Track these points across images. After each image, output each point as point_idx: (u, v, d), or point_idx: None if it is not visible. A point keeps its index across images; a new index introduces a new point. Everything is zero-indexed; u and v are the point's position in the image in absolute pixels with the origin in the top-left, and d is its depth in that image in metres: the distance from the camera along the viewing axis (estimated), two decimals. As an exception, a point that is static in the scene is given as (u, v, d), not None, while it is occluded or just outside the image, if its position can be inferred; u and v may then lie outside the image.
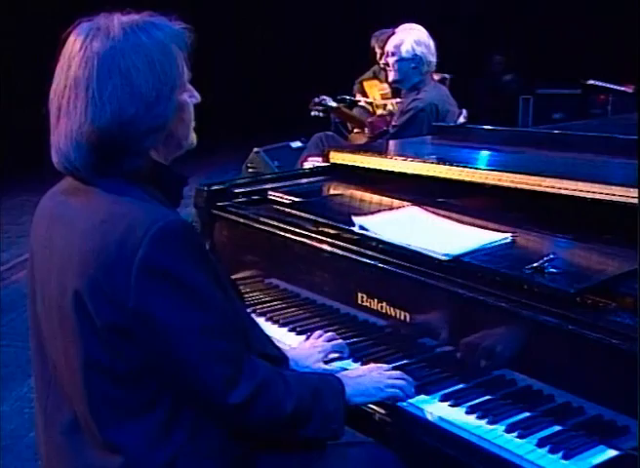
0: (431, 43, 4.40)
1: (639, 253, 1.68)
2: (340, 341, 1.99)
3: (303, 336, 2.10)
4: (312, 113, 5.19)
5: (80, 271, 1.47)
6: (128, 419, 1.50)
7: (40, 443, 1.67)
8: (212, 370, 1.49)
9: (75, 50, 1.51)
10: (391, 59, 4.42)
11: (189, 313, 1.47)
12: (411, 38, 4.38)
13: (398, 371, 1.81)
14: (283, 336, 2.13)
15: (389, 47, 4.45)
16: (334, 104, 5.21)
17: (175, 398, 1.50)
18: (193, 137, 1.65)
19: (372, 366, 1.84)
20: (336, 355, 1.96)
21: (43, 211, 1.66)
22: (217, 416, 1.54)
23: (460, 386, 1.81)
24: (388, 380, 1.75)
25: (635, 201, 1.92)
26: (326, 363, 1.92)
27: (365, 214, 2.21)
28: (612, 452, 1.55)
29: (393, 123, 4.46)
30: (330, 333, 2.02)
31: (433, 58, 4.40)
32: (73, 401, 1.54)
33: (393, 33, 4.62)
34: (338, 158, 2.86)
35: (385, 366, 1.84)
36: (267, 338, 1.76)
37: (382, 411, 1.75)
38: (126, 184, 1.53)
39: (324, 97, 5.18)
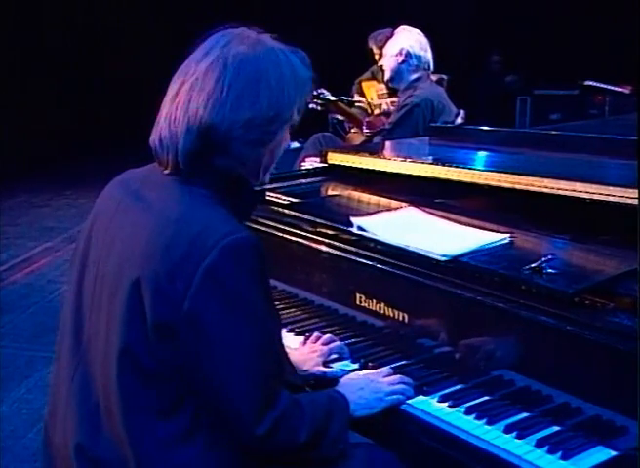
0: (424, 41, 4.42)
1: (639, 253, 1.68)
2: (338, 343, 1.99)
3: (302, 337, 2.10)
4: (310, 106, 5.18)
5: (143, 262, 1.48)
6: (148, 418, 1.49)
7: (52, 408, 1.66)
8: (246, 398, 1.47)
9: (219, 44, 1.57)
10: (383, 59, 4.47)
11: (240, 329, 1.47)
12: (409, 41, 4.40)
13: (397, 376, 1.80)
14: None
15: (388, 48, 4.48)
16: (332, 98, 5.20)
17: (196, 407, 1.50)
18: (268, 177, 1.71)
19: (370, 373, 1.84)
20: (336, 356, 1.95)
21: (111, 195, 1.68)
22: (235, 438, 1.52)
23: (459, 387, 1.81)
24: (387, 388, 1.75)
25: (632, 201, 1.93)
26: (325, 365, 1.92)
27: (363, 214, 2.21)
28: (610, 453, 1.55)
29: (389, 120, 4.47)
30: (328, 335, 2.02)
31: (426, 55, 4.41)
32: (100, 385, 1.54)
33: (392, 34, 4.64)
34: (335, 159, 2.86)
35: (384, 370, 1.84)
36: (288, 360, 1.76)
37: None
38: (209, 182, 1.56)
39: (322, 89, 5.18)
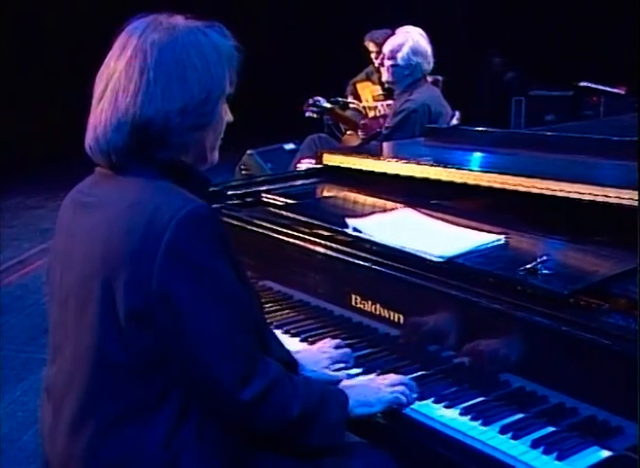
0: (429, 49, 4.41)
1: (639, 254, 1.68)
2: (346, 350, 1.97)
3: (297, 338, 2.10)
4: (306, 114, 5.19)
5: (105, 256, 1.47)
6: (134, 416, 1.49)
7: (44, 429, 1.65)
8: (226, 364, 1.47)
9: (133, 38, 1.55)
10: (387, 62, 4.44)
11: (211, 301, 1.47)
12: (408, 45, 4.37)
13: (399, 378, 1.80)
14: (277, 339, 2.13)
15: (387, 48, 4.45)
16: (328, 105, 5.21)
17: (183, 397, 1.49)
18: (216, 155, 1.68)
19: (373, 377, 1.84)
20: (341, 365, 1.93)
21: (68, 203, 1.69)
22: (224, 414, 1.52)
23: (454, 388, 1.81)
24: (389, 389, 1.75)
25: (628, 202, 1.93)
26: (329, 369, 1.91)
27: (358, 215, 2.21)
28: (605, 453, 1.55)
29: (386, 124, 4.47)
30: (337, 340, 2.01)
31: (426, 58, 4.41)
32: (78, 391, 1.53)
33: (392, 33, 4.62)
34: (331, 160, 2.87)
35: (389, 376, 1.82)
36: (278, 340, 1.76)
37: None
38: (155, 174, 1.55)
39: (318, 97, 5.18)
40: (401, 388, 1.75)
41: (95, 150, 1.57)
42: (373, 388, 1.75)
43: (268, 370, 1.52)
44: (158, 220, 1.45)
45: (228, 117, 1.67)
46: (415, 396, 1.76)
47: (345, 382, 1.83)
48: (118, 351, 1.47)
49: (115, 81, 1.54)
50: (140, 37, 1.55)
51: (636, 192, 1.91)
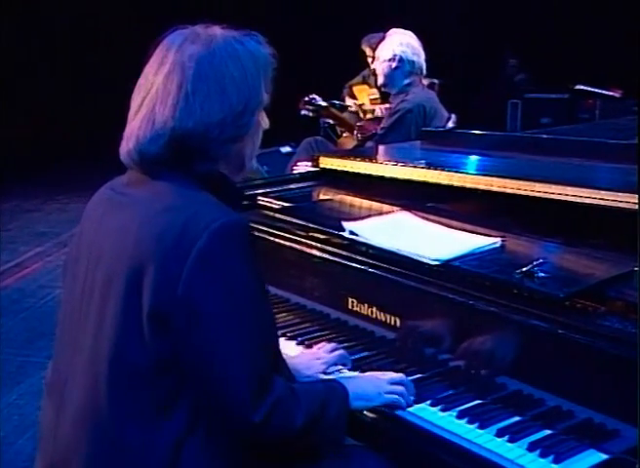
0: (417, 44, 4.43)
1: (639, 257, 1.68)
2: (342, 352, 1.96)
3: (294, 342, 2.10)
4: (302, 112, 5.19)
5: (135, 256, 1.47)
6: (143, 419, 1.48)
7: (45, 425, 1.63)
8: (242, 384, 1.45)
9: (171, 51, 1.56)
10: (380, 66, 4.46)
11: (236, 310, 1.46)
12: (392, 40, 4.41)
13: (399, 376, 1.79)
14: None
15: (379, 52, 4.49)
16: (324, 104, 5.21)
17: (193, 404, 1.48)
18: (254, 163, 1.68)
19: (374, 373, 1.84)
20: (338, 367, 1.93)
21: (98, 199, 1.68)
22: (231, 429, 1.50)
23: (451, 391, 1.81)
24: (388, 386, 1.75)
25: (624, 205, 1.93)
26: (326, 374, 1.90)
27: (355, 219, 2.21)
28: (602, 456, 1.55)
29: (381, 125, 4.48)
30: (332, 344, 2.00)
31: (419, 59, 4.41)
32: (87, 387, 1.52)
33: (384, 37, 4.64)
34: (327, 163, 2.87)
35: (389, 373, 1.82)
36: (283, 359, 1.74)
37: (372, 415, 1.75)
38: (191, 184, 1.55)
39: (314, 96, 5.18)
40: (400, 388, 1.75)
41: (130, 161, 1.57)
42: (372, 382, 1.75)
43: (276, 389, 1.51)
44: (193, 227, 1.45)
45: (265, 124, 1.68)
46: (412, 398, 1.76)
47: (347, 374, 1.83)
48: (136, 350, 1.46)
49: (153, 94, 1.54)
50: (177, 50, 1.55)
51: (632, 195, 1.91)
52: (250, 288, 1.49)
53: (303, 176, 2.97)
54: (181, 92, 1.52)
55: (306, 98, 5.18)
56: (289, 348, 2.05)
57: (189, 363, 1.47)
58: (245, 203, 2.61)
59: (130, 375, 1.48)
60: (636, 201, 1.89)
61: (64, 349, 1.63)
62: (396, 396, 1.74)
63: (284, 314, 2.26)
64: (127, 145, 1.57)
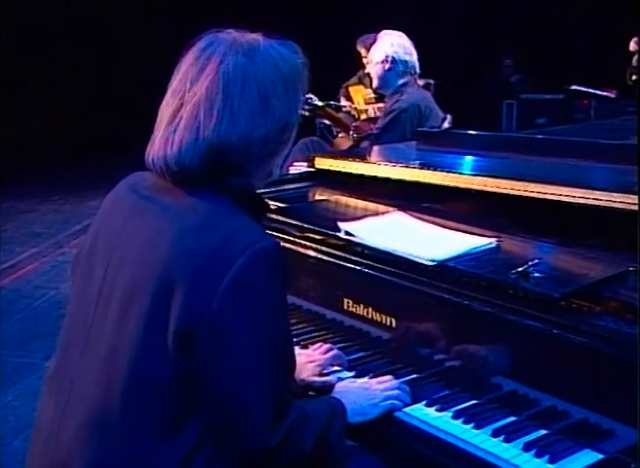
0: (408, 44, 4.43)
1: (639, 256, 1.68)
2: (337, 352, 1.96)
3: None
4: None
5: (166, 271, 1.43)
6: (155, 432, 1.45)
7: (41, 431, 1.59)
8: (262, 403, 1.44)
9: (213, 59, 1.51)
10: (369, 67, 4.48)
11: (264, 337, 1.44)
12: (383, 42, 4.42)
13: (394, 382, 1.79)
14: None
15: (372, 54, 4.51)
16: (320, 103, 5.21)
17: (203, 424, 1.46)
18: (278, 171, 1.65)
19: (367, 381, 1.84)
20: (334, 368, 1.93)
21: (120, 199, 1.62)
22: (245, 453, 1.48)
23: (447, 391, 1.81)
24: (382, 394, 1.75)
25: (619, 205, 1.93)
26: (321, 375, 1.90)
27: (350, 219, 2.21)
28: (597, 456, 1.55)
29: (377, 125, 4.48)
30: (328, 345, 2.00)
31: (412, 59, 4.42)
32: (99, 395, 1.48)
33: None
34: (323, 164, 2.87)
35: (383, 379, 1.82)
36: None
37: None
38: (222, 195, 1.51)
39: (310, 95, 5.18)
40: (396, 392, 1.75)
41: (164, 167, 1.51)
42: (367, 395, 1.74)
43: (292, 412, 1.50)
44: (232, 246, 1.42)
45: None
46: (409, 401, 1.76)
47: (340, 385, 1.82)
48: (157, 365, 1.43)
49: (195, 102, 1.49)
50: (221, 59, 1.50)
51: (627, 195, 1.92)
52: (280, 313, 1.49)
53: (299, 177, 2.97)
54: (227, 105, 1.48)
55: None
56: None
57: (210, 381, 1.44)
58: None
59: (147, 389, 1.45)
60: (631, 201, 1.89)
61: (71, 347, 1.58)
62: (392, 401, 1.74)
63: (280, 314, 2.26)
64: (161, 151, 1.51)
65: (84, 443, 1.49)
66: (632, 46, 5.81)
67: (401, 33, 4.50)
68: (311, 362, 1.92)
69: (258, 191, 1.62)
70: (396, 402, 1.75)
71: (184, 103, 1.51)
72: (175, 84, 1.55)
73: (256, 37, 1.58)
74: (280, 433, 1.46)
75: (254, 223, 1.51)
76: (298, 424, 1.51)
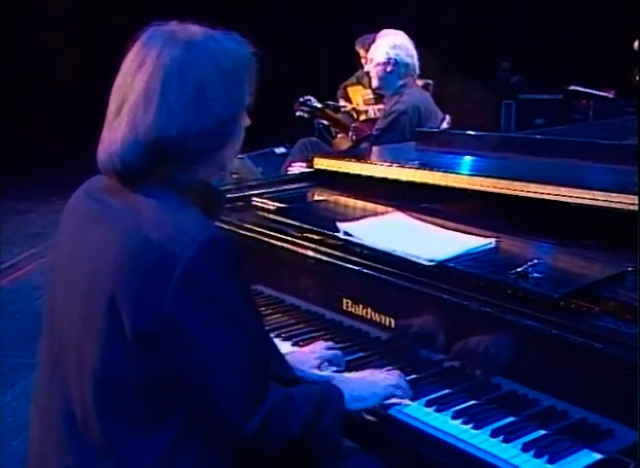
0: (408, 45, 4.43)
1: (639, 257, 1.69)
2: (336, 351, 1.96)
3: (289, 342, 2.10)
4: (297, 113, 5.18)
5: (116, 273, 1.43)
6: (135, 430, 1.46)
7: (34, 439, 1.62)
8: (235, 398, 1.44)
9: (151, 53, 1.50)
10: (369, 67, 4.47)
11: (224, 332, 1.44)
12: (385, 42, 4.41)
13: (395, 376, 1.79)
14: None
15: (371, 54, 4.49)
16: (318, 105, 5.21)
17: (185, 416, 1.46)
18: (233, 163, 1.64)
19: (369, 370, 1.84)
20: (331, 367, 1.93)
21: (75, 205, 1.63)
22: (226, 442, 1.49)
23: (446, 391, 1.81)
24: (383, 383, 1.74)
25: (617, 206, 1.94)
26: (320, 369, 1.90)
27: (349, 219, 2.22)
28: (596, 456, 1.55)
29: (376, 126, 4.48)
30: (329, 343, 2.00)
31: (413, 60, 4.42)
32: (75, 401, 1.50)
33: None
34: (322, 164, 2.87)
35: (385, 371, 1.83)
36: (283, 359, 1.74)
37: (367, 417, 1.75)
38: (167, 192, 1.50)
39: (309, 97, 5.18)
40: (395, 381, 1.75)
41: (107, 166, 1.51)
42: (367, 382, 1.74)
43: (270, 398, 1.49)
44: (175, 245, 1.41)
45: (246, 122, 1.63)
46: (410, 392, 1.76)
47: (341, 375, 1.82)
48: (125, 367, 1.44)
49: (134, 98, 1.48)
50: (159, 53, 1.49)
51: (626, 195, 1.92)
52: (237, 304, 1.47)
53: (298, 177, 2.97)
54: (164, 99, 1.47)
55: (301, 100, 5.18)
56: (284, 349, 2.04)
57: (181, 379, 1.45)
58: (240, 204, 2.62)
59: (119, 389, 1.46)
60: (630, 201, 1.89)
61: (45, 363, 1.60)
62: (393, 390, 1.74)
63: (279, 315, 2.26)
64: (108, 149, 1.51)
65: (66, 448, 1.51)
66: (637, 45, 5.81)
67: (402, 33, 4.49)
68: (312, 353, 1.93)
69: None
70: (397, 391, 1.74)
71: (126, 100, 1.50)
72: (117, 80, 1.54)
73: (197, 30, 1.55)
74: (258, 418, 1.45)
75: (200, 217, 1.49)
76: (279, 408, 1.49)
